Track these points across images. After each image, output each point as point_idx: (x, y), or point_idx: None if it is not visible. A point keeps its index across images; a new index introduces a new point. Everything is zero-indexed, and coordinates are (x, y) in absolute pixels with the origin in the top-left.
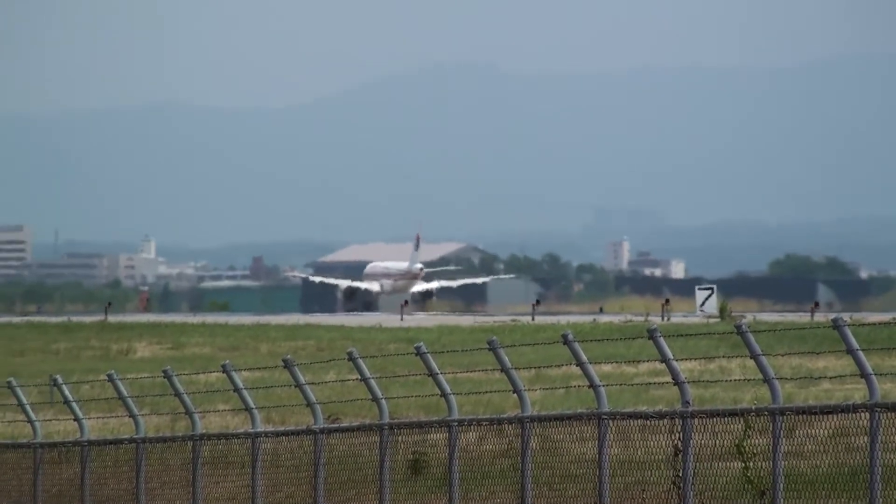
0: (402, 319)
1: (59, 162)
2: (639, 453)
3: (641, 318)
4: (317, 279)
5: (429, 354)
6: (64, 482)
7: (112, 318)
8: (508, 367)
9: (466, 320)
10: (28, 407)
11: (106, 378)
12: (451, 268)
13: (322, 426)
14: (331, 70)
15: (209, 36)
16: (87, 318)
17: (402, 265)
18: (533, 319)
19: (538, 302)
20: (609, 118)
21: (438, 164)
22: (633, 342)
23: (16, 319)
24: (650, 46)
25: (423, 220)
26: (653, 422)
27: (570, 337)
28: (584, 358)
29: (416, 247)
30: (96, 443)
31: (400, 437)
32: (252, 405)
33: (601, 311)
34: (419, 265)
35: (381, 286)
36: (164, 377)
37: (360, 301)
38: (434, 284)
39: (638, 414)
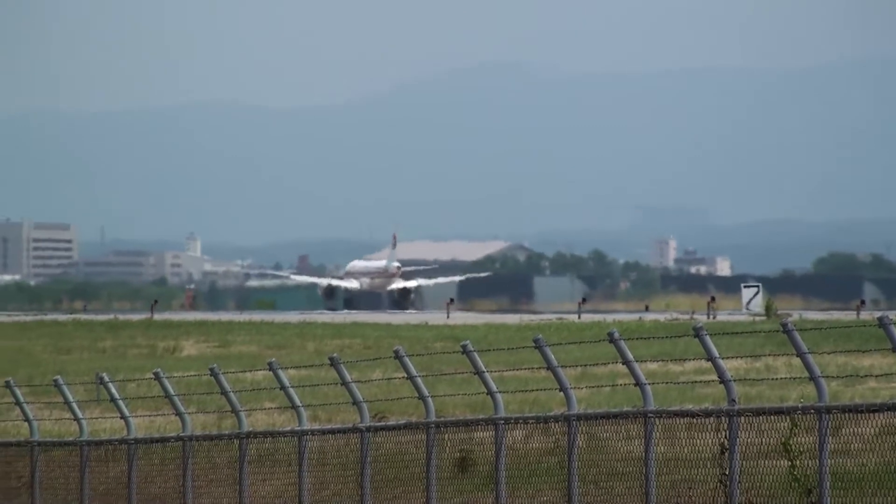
0: (448, 317)
1: (105, 160)
2: (685, 451)
3: (687, 316)
4: (298, 277)
5: (475, 352)
6: (111, 480)
7: (158, 316)
8: (555, 366)
9: (512, 318)
10: (75, 405)
11: (152, 376)
12: (431, 266)
13: (368, 424)
14: (370, 70)
15: (252, 34)
16: (134, 316)
17: (381, 264)
18: (579, 317)
19: (584, 300)
20: (654, 116)
21: (482, 163)
22: (678, 340)
23: (63, 317)
24: (694, 45)
25: (469, 219)
26: (699, 420)
27: (616, 335)
28: (631, 356)
29: (393, 245)
30: (143, 441)
31: (446, 436)
32: (298, 403)
33: (647, 309)
34: (396, 264)
35: (360, 284)
36: (211, 375)
37: (339, 298)
38: (412, 283)
39: (684, 412)
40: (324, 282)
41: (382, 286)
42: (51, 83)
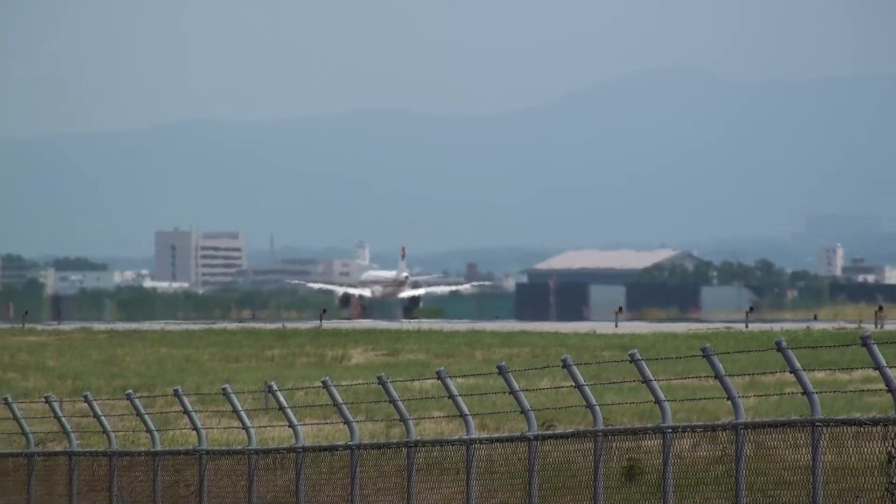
0: (616, 326)
1: (275, 169)
2: (852, 460)
3: (855, 326)
4: (315, 286)
5: (643, 361)
6: (279, 489)
7: (327, 325)
8: (722, 374)
9: (680, 327)
10: (243, 413)
11: (321, 384)
12: (437, 275)
13: (536, 433)
14: (540, 79)
15: (423, 42)
16: (302, 325)
17: (391, 273)
18: (747, 326)
19: (752, 309)
20: (821, 123)
21: (652, 171)
22: (846, 349)
23: (231, 325)
24: (858, 51)
25: (638, 228)
26: (866, 428)
27: (784, 344)
28: (798, 365)
29: (403, 256)
30: (311, 449)
31: (614, 444)
32: (466, 412)
33: (815, 318)
34: (405, 273)
35: (373, 292)
36: (379, 384)
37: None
38: (420, 291)
39: (851, 421)
40: (340, 290)
41: (393, 294)
42: (218, 91)
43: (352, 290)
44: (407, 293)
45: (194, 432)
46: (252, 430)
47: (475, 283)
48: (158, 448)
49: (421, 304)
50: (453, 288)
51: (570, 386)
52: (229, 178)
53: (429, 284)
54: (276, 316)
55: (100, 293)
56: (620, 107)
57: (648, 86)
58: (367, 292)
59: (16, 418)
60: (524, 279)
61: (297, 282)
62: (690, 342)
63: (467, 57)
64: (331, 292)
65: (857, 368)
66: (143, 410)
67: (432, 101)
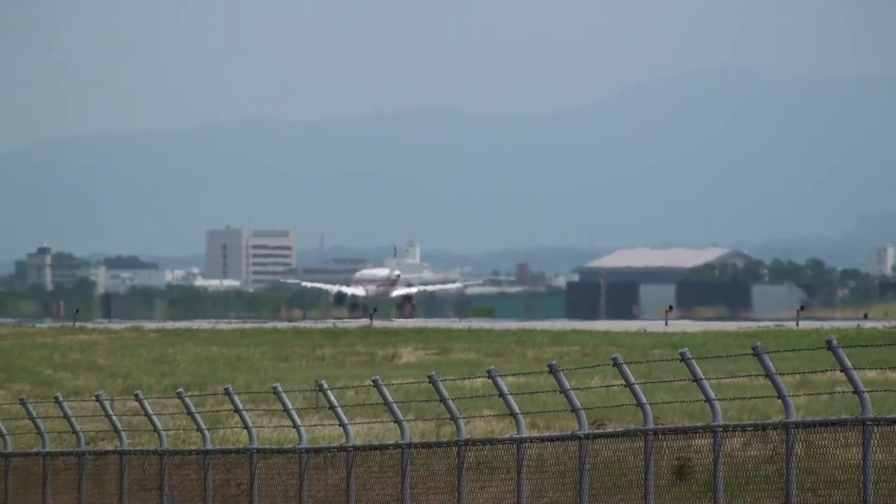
0: (666, 325)
1: (325, 168)
2: None
3: None
4: (308, 284)
5: (693, 360)
6: (329, 487)
7: (377, 324)
8: (773, 373)
9: (731, 326)
10: (293, 412)
11: (371, 383)
12: (428, 275)
13: (587, 431)
14: (586, 79)
15: (468, 42)
16: (353, 324)
17: (384, 272)
18: (797, 325)
19: (802, 307)
20: (872, 123)
21: (702, 170)
22: None
23: (282, 325)
24: None
25: (687, 227)
26: None
27: (835, 342)
28: (849, 364)
29: (394, 255)
30: (361, 448)
31: (664, 443)
32: (517, 410)
33: (866, 317)
34: (396, 272)
35: (367, 291)
36: (430, 382)
37: (347, 305)
38: (413, 290)
39: None
40: (334, 289)
41: (386, 293)
42: (269, 90)
43: (345, 289)
44: (399, 291)
45: (245, 431)
46: (303, 429)
47: (467, 283)
48: (209, 447)
49: (414, 302)
50: (445, 287)
51: (621, 385)
52: (280, 177)
53: (422, 283)
54: (326, 315)
55: (150, 292)
56: (669, 106)
57: (699, 85)
58: (360, 291)
59: (66, 417)
60: (575, 278)
61: (291, 281)
62: (741, 341)
63: (516, 56)
64: (327, 291)
65: None
66: (193, 409)
67: (482, 101)
